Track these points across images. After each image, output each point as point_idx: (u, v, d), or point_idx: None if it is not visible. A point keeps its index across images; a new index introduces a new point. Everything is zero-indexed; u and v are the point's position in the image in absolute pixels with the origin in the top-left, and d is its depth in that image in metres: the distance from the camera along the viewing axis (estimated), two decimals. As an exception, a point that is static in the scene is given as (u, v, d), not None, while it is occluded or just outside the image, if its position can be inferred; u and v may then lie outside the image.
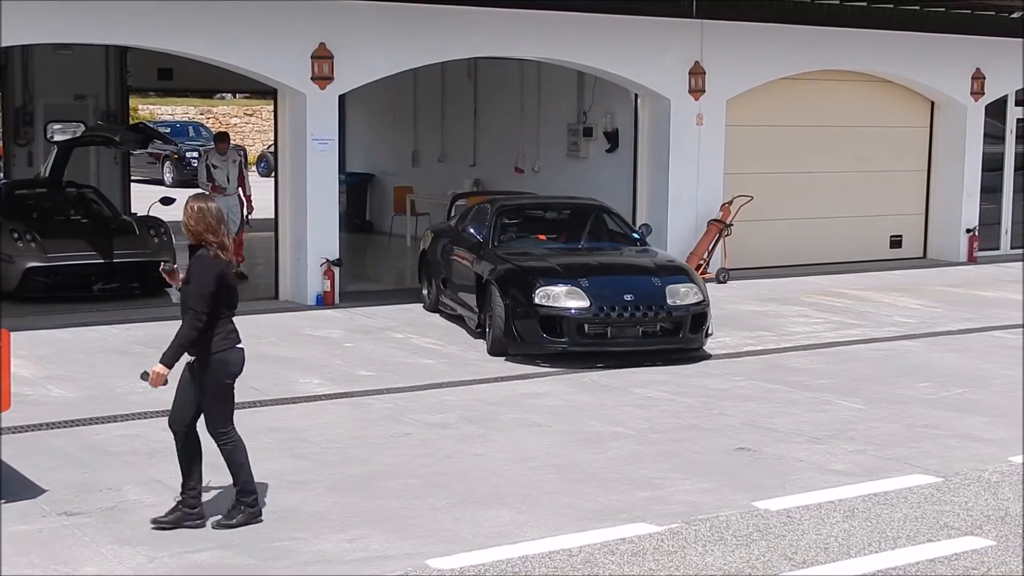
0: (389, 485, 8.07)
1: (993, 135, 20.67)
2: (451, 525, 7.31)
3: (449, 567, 6.62)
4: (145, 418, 9.53)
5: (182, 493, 7.20)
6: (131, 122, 24.02)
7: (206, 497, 7.37)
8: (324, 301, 14.89)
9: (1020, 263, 19.71)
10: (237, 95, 43.05)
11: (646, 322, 11.95)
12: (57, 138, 20.42)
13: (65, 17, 13.40)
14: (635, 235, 13.92)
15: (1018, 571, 6.69)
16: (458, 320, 13.75)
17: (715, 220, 17.29)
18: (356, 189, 23.09)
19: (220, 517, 7.21)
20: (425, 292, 14.87)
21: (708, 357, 12.30)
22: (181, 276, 7.30)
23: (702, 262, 16.90)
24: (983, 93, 20.08)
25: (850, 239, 19.57)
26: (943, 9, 18.97)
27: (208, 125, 42.63)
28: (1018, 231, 21.24)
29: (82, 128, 20.59)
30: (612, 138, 18.44)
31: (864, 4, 18.16)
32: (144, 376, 7.14)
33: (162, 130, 31.22)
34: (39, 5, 13.14)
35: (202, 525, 7.12)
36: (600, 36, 16.48)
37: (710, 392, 10.89)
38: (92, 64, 20.54)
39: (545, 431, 9.51)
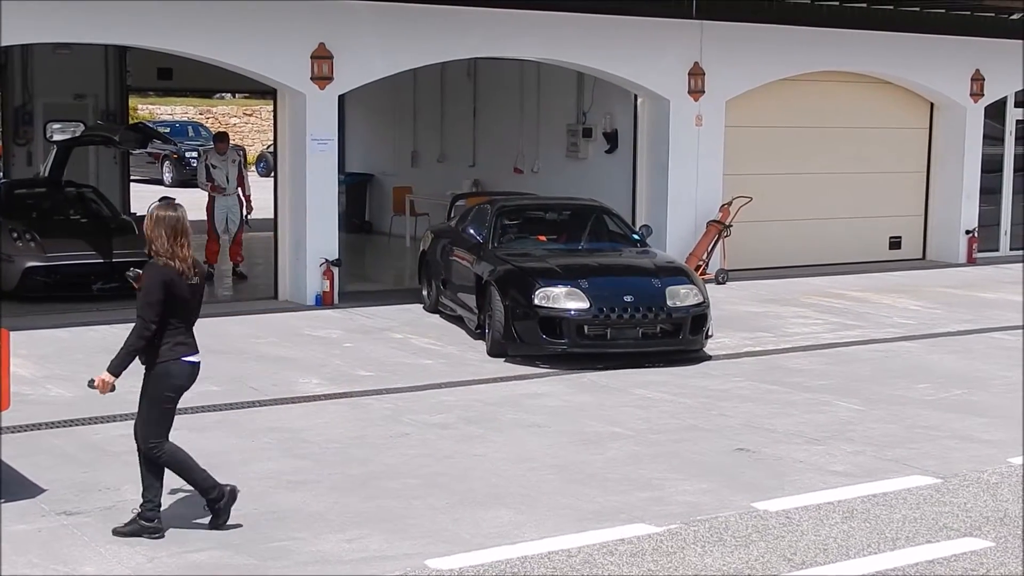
0: (388, 485, 8.07)
1: (992, 136, 20.68)
2: (450, 525, 7.31)
3: (448, 567, 6.62)
4: (144, 418, 9.52)
5: (141, 505, 7.05)
6: (130, 122, 24.03)
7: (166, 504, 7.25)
8: (323, 301, 14.89)
9: (1019, 264, 19.72)
10: (236, 95, 43.07)
11: (646, 323, 11.94)
12: (56, 138, 20.42)
13: (65, 17, 13.41)
14: (635, 236, 13.92)
15: (1017, 572, 6.69)
16: (458, 321, 13.75)
17: (714, 221, 17.29)
18: (355, 189, 23.10)
19: (208, 523, 7.14)
20: (425, 293, 14.87)
21: (708, 358, 12.30)
22: None
23: (701, 263, 16.90)
24: (982, 94, 20.09)
25: (849, 240, 19.58)
26: (943, 10, 18.97)
27: (207, 125, 42.63)
28: (1017, 232, 21.25)
29: (81, 128, 20.59)
30: (611, 139, 18.44)
31: (864, 5, 18.17)
32: (91, 384, 7.05)
33: (161, 130, 31.22)
34: (39, 5, 13.15)
35: (161, 537, 6.97)
36: (599, 37, 16.49)
37: (709, 393, 10.89)
38: (91, 64, 20.54)
39: (544, 432, 9.51)
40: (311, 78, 14.76)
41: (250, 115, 46.35)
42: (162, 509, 7.07)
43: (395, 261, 20.45)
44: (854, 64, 18.97)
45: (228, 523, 7.14)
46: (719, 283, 16.75)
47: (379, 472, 8.37)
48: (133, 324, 6.97)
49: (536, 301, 11.92)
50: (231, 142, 18.57)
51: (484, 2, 15.50)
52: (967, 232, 20.10)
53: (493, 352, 12.27)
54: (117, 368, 6.96)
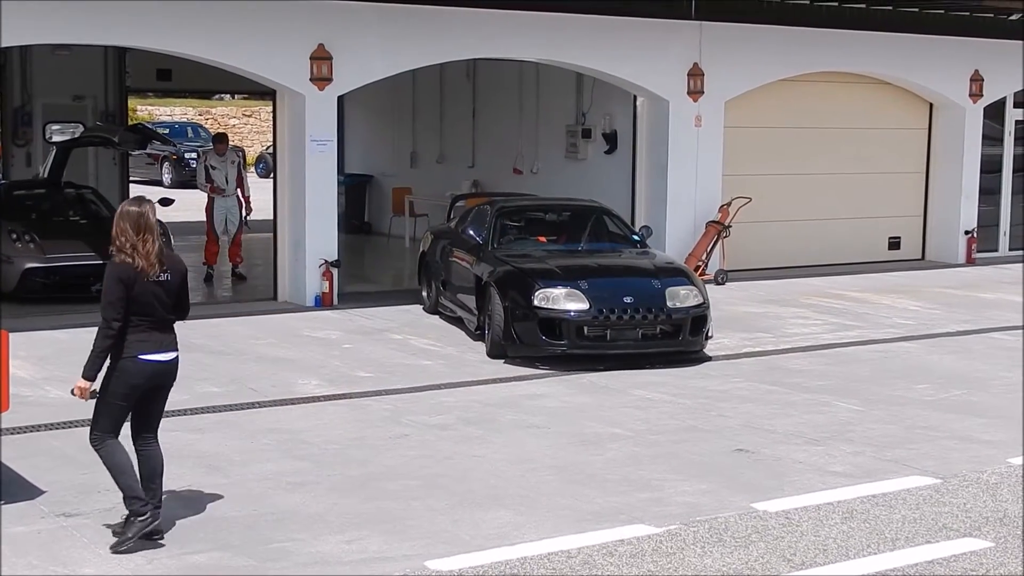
0: (388, 486, 8.07)
1: (992, 137, 20.68)
2: (450, 526, 7.31)
3: (448, 568, 6.62)
4: (144, 419, 9.51)
5: (126, 506, 6.97)
6: (130, 123, 24.01)
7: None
8: (323, 302, 14.89)
9: (1018, 265, 19.72)
10: (236, 96, 43.03)
11: (646, 324, 11.94)
12: (56, 139, 20.41)
13: (65, 17, 13.40)
14: (635, 237, 13.92)
15: (1017, 572, 6.69)
16: (457, 322, 13.74)
17: (714, 221, 17.29)
18: (355, 190, 23.10)
19: (112, 531, 6.98)
20: (425, 294, 14.86)
21: (707, 359, 12.30)
22: None
23: (701, 263, 16.90)
24: (982, 95, 20.09)
25: (849, 241, 19.58)
26: (942, 11, 18.97)
27: (207, 126, 42.60)
28: (1016, 233, 21.25)
29: (81, 129, 20.58)
30: (611, 139, 18.45)
31: (863, 6, 18.16)
32: (72, 391, 6.97)
33: (161, 131, 31.25)
34: (39, 5, 13.14)
35: (160, 537, 6.90)
36: (599, 37, 16.49)
37: (709, 394, 10.89)
38: (91, 64, 20.52)
39: (544, 432, 9.51)
40: (310, 79, 14.75)
41: (249, 116, 46.34)
42: (160, 510, 7.05)
43: (394, 262, 20.44)
44: (853, 65, 18.97)
45: (129, 549, 6.76)
46: (718, 284, 16.75)
47: (378, 473, 8.37)
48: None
49: (536, 302, 11.91)
50: (230, 143, 18.56)
51: (484, 3, 15.50)
52: (966, 232, 20.11)
53: (493, 353, 12.26)
54: (90, 371, 6.86)
